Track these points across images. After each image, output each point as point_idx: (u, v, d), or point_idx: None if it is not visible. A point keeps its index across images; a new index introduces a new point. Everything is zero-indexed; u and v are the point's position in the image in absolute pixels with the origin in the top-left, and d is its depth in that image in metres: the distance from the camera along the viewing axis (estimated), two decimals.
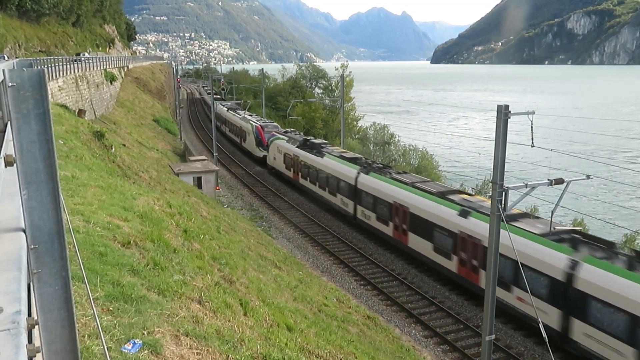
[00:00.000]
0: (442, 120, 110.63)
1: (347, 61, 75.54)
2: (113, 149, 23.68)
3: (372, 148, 47.35)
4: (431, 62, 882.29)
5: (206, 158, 39.71)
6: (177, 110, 69.18)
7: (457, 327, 19.80)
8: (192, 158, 38.73)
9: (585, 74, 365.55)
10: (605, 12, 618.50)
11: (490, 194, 13.69)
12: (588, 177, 15.52)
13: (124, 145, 29.26)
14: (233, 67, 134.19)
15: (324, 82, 75.98)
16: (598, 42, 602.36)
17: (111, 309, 6.01)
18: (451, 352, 18.14)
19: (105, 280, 6.62)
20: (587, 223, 26.76)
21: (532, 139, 14.26)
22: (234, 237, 18.17)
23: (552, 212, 17.01)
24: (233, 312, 8.13)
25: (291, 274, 17.73)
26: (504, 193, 13.36)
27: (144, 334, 5.68)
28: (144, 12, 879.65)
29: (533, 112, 13.69)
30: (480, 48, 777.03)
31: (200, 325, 6.66)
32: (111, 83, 48.43)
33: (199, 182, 32.65)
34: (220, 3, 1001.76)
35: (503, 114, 13.08)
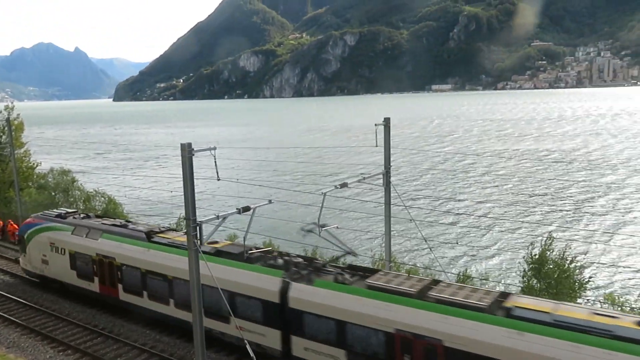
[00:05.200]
0: (136, 161, 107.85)
1: (13, 102, 66.80)
2: None
3: (54, 195, 42.81)
4: (114, 100, 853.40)
5: None
6: None
7: None
8: None
9: (262, 106, 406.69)
10: (269, 52, 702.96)
11: (185, 230, 13.95)
12: (270, 201, 17.25)
13: None
14: None
15: None
16: (267, 78, 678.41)
17: None
18: None
19: None
20: (276, 244, 29.55)
21: (217, 172, 15.09)
22: None
23: (244, 238, 18.32)
24: None
25: None
26: (198, 227, 13.78)
27: None
28: None
29: (214, 148, 14.53)
30: (163, 85, 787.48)
31: None
32: None
33: None
34: None
35: (187, 151, 13.54)
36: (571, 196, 60.90)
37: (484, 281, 24.48)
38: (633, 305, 19.60)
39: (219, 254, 19.65)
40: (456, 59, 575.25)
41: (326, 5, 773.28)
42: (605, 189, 63.87)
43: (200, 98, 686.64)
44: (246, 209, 15.59)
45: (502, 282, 22.58)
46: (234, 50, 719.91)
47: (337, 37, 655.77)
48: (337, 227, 24.07)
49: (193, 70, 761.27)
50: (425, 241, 26.70)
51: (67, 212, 27.26)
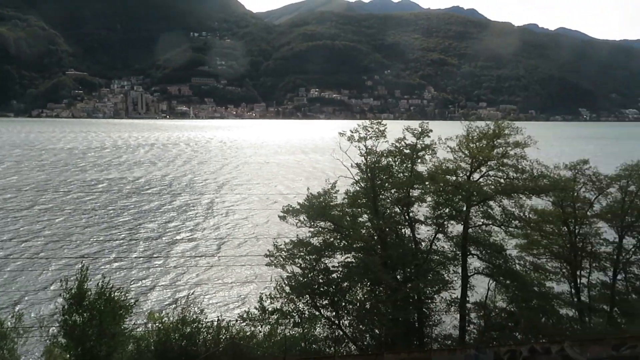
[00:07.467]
0: None
1: None
2: None
3: None
4: None
5: None
6: None
7: None
8: None
9: None
10: None
11: None
12: None
13: None
14: None
15: None
16: None
17: None
18: None
19: None
20: None
21: None
22: None
23: None
24: None
25: None
26: None
27: None
28: None
29: None
30: None
31: None
32: None
33: None
34: None
35: None
36: (120, 224, 62.26)
37: (26, 327, 21.82)
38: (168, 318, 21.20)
39: None
40: None
41: None
42: (155, 214, 68.31)
43: None
44: None
45: (40, 324, 20.44)
46: None
47: None
48: None
49: None
50: None
51: None
